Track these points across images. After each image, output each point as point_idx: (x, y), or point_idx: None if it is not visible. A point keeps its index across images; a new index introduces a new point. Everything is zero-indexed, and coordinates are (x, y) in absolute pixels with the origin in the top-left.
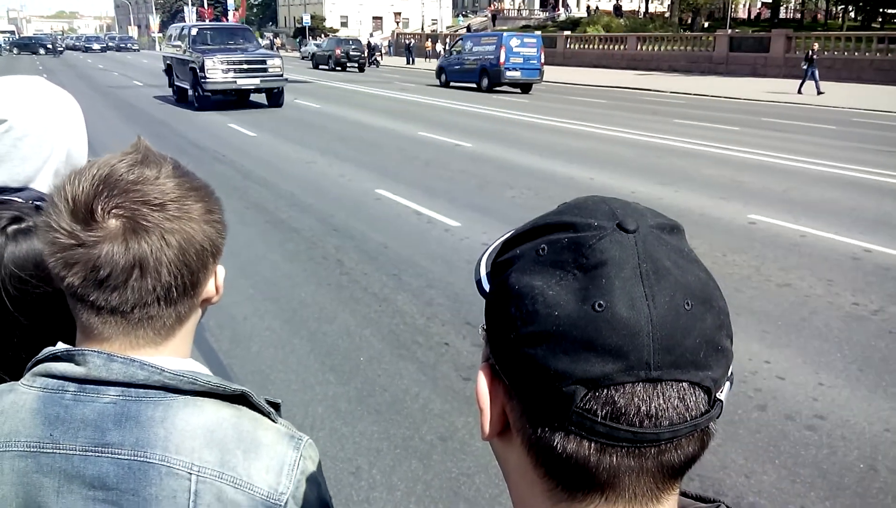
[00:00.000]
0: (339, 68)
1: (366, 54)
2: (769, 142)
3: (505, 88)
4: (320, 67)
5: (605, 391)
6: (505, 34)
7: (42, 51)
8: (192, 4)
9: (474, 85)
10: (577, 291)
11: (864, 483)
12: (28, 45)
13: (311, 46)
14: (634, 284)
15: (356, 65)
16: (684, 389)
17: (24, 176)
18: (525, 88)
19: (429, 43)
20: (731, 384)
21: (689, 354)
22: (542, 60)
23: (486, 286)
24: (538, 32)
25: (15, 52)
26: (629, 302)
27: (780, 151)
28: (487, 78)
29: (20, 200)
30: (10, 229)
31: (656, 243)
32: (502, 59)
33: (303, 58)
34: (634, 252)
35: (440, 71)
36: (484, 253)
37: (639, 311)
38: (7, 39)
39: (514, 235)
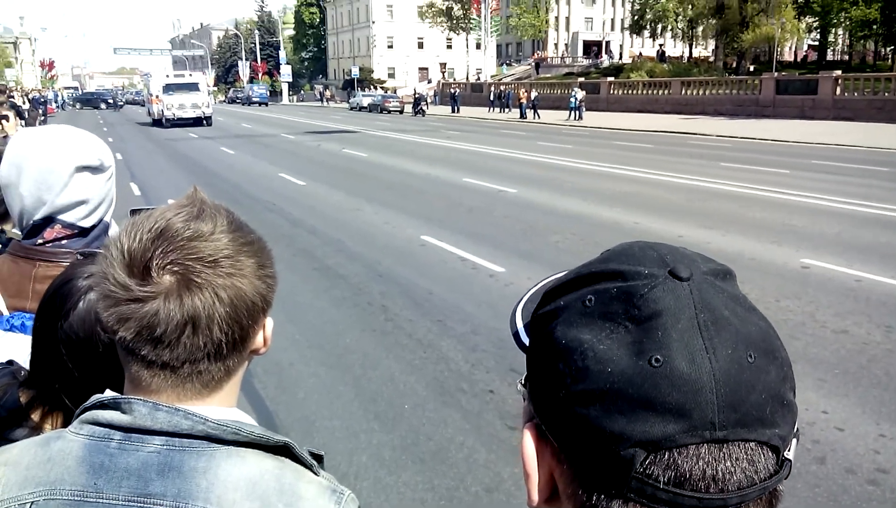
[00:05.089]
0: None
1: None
2: (821, 185)
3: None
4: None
5: (667, 453)
6: (254, 85)
7: (103, 105)
8: (246, 59)
9: (244, 103)
10: (630, 345)
11: None
12: (90, 101)
13: (359, 98)
14: (693, 336)
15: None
16: (752, 449)
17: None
18: (263, 104)
19: (522, 93)
20: (798, 440)
21: (755, 411)
22: (268, 96)
23: (525, 339)
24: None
25: (78, 106)
26: (689, 356)
27: (831, 193)
28: (248, 102)
29: None
30: None
31: (712, 291)
32: (250, 94)
33: (351, 109)
34: (690, 301)
35: (229, 100)
36: (518, 303)
37: (700, 365)
38: (71, 95)
39: (557, 284)
